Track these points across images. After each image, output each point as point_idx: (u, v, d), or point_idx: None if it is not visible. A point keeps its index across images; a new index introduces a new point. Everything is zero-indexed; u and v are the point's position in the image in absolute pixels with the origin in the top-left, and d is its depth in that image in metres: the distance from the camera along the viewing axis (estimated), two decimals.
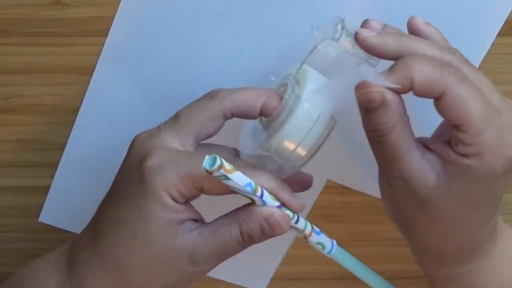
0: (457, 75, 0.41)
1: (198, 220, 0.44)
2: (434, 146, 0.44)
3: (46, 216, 0.57)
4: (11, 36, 0.52)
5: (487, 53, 0.52)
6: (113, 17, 0.51)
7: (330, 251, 0.46)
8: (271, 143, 0.44)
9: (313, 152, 0.44)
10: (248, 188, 0.41)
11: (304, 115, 0.43)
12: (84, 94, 0.53)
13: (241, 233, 0.43)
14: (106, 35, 0.52)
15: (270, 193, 0.43)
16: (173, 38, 0.52)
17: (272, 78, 0.47)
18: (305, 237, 0.45)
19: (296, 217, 0.44)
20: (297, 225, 0.44)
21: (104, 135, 0.54)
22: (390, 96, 0.42)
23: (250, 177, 0.42)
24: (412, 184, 0.43)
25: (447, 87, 0.41)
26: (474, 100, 0.41)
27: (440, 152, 0.43)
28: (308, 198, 0.56)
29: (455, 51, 0.44)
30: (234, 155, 0.46)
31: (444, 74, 0.41)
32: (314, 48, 0.46)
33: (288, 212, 0.44)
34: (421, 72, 0.41)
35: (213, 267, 0.44)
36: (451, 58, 0.43)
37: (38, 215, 0.57)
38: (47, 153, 0.55)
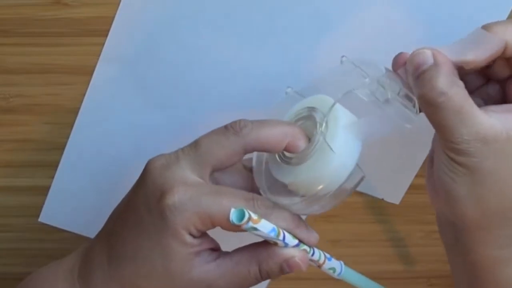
0: None
1: (215, 248, 0.44)
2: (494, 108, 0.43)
3: (46, 216, 0.57)
4: (11, 36, 0.52)
5: None
6: (113, 17, 0.51)
7: (340, 273, 0.47)
8: (301, 183, 0.44)
9: (341, 200, 0.45)
10: (273, 234, 0.42)
11: (335, 169, 0.43)
12: (84, 94, 0.53)
13: (260, 271, 0.44)
14: (106, 35, 0.52)
15: (288, 231, 0.43)
16: (173, 38, 0.52)
17: (288, 90, 0.46)
18: (319, 266, 0.46)
19: (312, 250, 0.45)
20: (313, 257, 0.45)
21: (104, 135, 0.54)
22: (440, 57, 0.42)
23: (270, 220, 0.42)
24: (488, 142, 0.41)
25: None
26: None
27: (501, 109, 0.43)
28: None
29: None
30: (249, 189, 0.45)
31: None
32: (349, 91, 0.43)
33: (306, 247, 0.44)
34: None
35: None
36: None
37: (38, 215, 0.57)
38: (47, 153, 0.55)
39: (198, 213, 0.42)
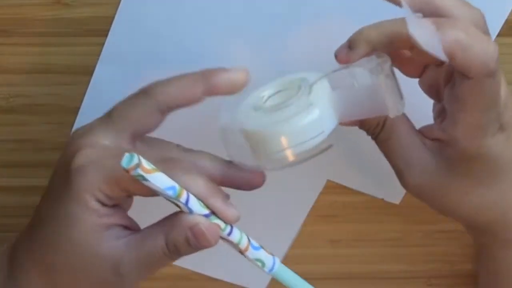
0: None
1: (130, 227, 0.42)
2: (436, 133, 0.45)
3: None
4: (11, 36, 0.52)
5: None
6: (113, 17, 0.51)
7: (271, 269, 0.42)
8: (265, 130, 0.42)
9: (295, 162, 0.43)
10: (171, 192, 0.39)
11: (312, 122, 0.42)
12: (84, 94, 0.53)
13: (166, 244, 0.40)
14: (106, 35, 0.52)
15: (201, 200, 0.40)
16: (173, 38, 0.52)
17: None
18: (241, 252, 0.42)
19: (228, 228, 0.41)
20: (230, 238, 0.41)
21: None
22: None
23: (180, 182, 0.39)
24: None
25: None
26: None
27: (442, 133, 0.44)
28: (308, 198, 0.56)
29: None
30: (179, 153, 0.44)
31: None
32: (341, 68, 0.44)
33: (219, 222, 0.40)
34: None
35: (141, 278, 0.42)
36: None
37: None
38: (47, 153, 0.55)
39: (103, 175, 0.40)
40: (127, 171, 0.37)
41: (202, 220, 0.40)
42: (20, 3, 0.51)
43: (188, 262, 0.58)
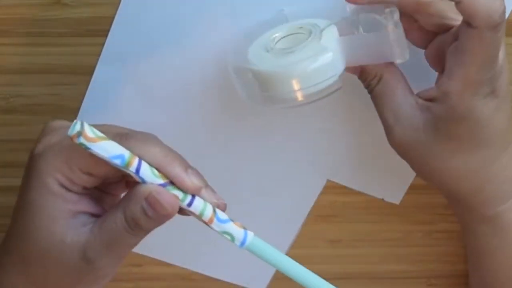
0: None
1: (97, 214, 0.41)
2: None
3: None
4: (11, 36, 0.52)
5: None
6: (113, 17, 0.51)
7: (243, 243, 0.40)
8: (278, 72, 0.44)
9: (305, 103, 0.44)
10: (118, 161, 0.37)
11: (324, 65, 0.44)
12: (84, 94, 0.53)
13: (125, 219, 0.39)
14: (106, 35, 0.52)
15: (157, 169, 0.38)
16: (173, 38, 0.52)
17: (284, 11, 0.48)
18: (207, 224, 0.40)
19: (189, 198, 0.39)
20: (191, 209, 0.39)
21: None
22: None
23: (132, 150, 0.38)
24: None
25: None
26: None
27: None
28: (308, 198, 0.56)
29: None
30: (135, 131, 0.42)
31: None
32: (351, 16, 0.46)
33: (177, 192, 0.38)
34: None
35: (112, 262, 0.40)
36: None
37: None
38: None
39: (61, 155, 0.39)
40: (71, 139, 0.37)
41: (156, 188, 0.38)
42: (20, 3, 0.51)
43: (188, 262, 0.58)
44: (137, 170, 0.38)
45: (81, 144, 0.37)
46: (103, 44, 0.52)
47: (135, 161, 0.38)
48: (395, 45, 0.44)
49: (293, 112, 0.53)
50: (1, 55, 0.53)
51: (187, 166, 0.40)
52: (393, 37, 0.44)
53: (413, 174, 0.54)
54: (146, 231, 0.40)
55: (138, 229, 0.39)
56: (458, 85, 0.43)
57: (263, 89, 0.45)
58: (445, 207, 0.56)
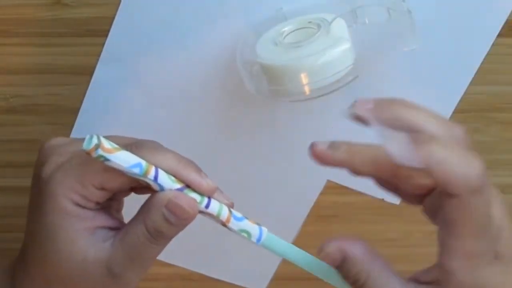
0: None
1: (116, 228, 0.41)
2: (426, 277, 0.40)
3: None
4: (11, 36, 0.52)
5: (487, 54, 0.52)
6: (113, 17, 0.51)
7: (259, 240, 0.40)
8: (287, 66, 0.44)
9: (312, 97, 0.44)
10: (137, 170, 0.37)
11: (332, 60, 0.44)
12: (84, 94, 0.53)
13: (147, 229, 0.39)
14: (106, 35, 0.52)
15: (173, 175, 0.39)
16: (173, 38, 0.52)
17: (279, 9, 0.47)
18: (224, 224, 0.40)
19: (206, 200, 0.39)
20: (208, 211, 0.39)
21: (104, 135, 0.54)
22: (351, 251, 0.39)
23: (150, 159, 0.38)
24: None
25: None
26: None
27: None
28: (308, 198, 0.56)
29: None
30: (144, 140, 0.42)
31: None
32: (355, 8, 0.45)
33: (195, 195, 0.39)
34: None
35: (139, 274, 0.41)
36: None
37: None
38: None
39: (73, 175, 0.39)
40: (88, 153, 0.36)
41: (175, 193, 0.39)
42: (20, 3, 0.51)
43: (188, 262, 0.58)
44: (155, 178, 0.38)
45: (99, 157, 0.37)
46: (103, 44, 0.52)
47: (152, 169, 0.38)
48: (406, 33, 0.43)
49: (293, 112, 0.53)
50: (1, 55, 0.53)
51: (199, 169, 0.40)
52: (404, 24, 0.43)
53: None
54: (169, 239, 0.40)
55: (160, 237, 0.40)
56: (460, 262, 0.38)
57: (271, 83, 0.45)
58: None
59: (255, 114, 0.53)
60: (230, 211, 0.40)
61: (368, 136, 0.51)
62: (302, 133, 0.54)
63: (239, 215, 0.40)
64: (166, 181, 0.38)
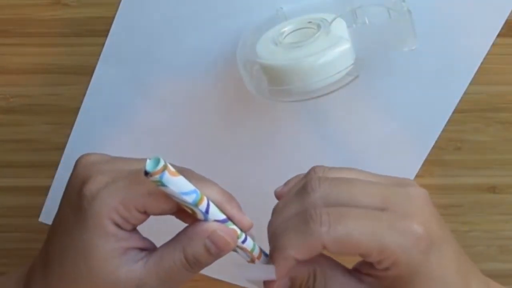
0: (325, 225, 0.38)
1: (146, 248, 0.41)
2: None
3: (46, 216, 0.57)
4: (11, 36, 0.52)
5: (487, 54, 0.52)
6: (113, 17, 0.51)
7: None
8: (288, 66, 0.44)
9: (312, 97, 0.44)
10: (193, 196, 0.38)
11: (332, 60, 0.44)
12: (84, 94, 0.53)
13: (185, 257, 0.40)
14: (106, 35, 0.52)
15: (217, 206, 0.40)
16: (173, 38, 0.52)
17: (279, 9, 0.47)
18: (253, 261, 0.41)
19: (243, 236, 0.40)
20: (245, 245, 0.40)
21: (104, 135, 0.54)
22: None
23: (198, 188, 0.38)
24: None
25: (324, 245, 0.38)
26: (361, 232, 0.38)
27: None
28: None
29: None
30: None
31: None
32: (355, 8, 0.46)
33: (235, 227, 0.40)
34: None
35: None
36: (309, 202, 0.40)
37: (38, 215, 0.57)
38: (47, 153, 0.55)
39: (118, 196, 0.39)
40: (151, 175, 0.36)
41: (219, 225, 0.40)
42: (20, 3, 0.51)
43: None
44: (207, 209, 0.39)
45: (158, 181, 0.36)
46: (103, 44, 0.52)
47: (205, 199, 0.38)
48: (406, 33, 0.43)
49: (293, 112, 0.53)
50: (1, 55, 0.53)
51: (239, 205, 0.41)
52: (404, 24, 0.43)
53: (413, 174, 0.54)
54: (203, 267, 0.41)
55: (197, 266, 0.40)
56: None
57: (271, 83, 0.45)
58: (445, 207, 0.56)
59: (255, 114, 0.53)
60: (261, 249, 0.41)
61: (368, 136, 0.51)
62: (302, 133, 0.54)
63: (267, 251, 0.41)
64: (215, 212, 0.39)
